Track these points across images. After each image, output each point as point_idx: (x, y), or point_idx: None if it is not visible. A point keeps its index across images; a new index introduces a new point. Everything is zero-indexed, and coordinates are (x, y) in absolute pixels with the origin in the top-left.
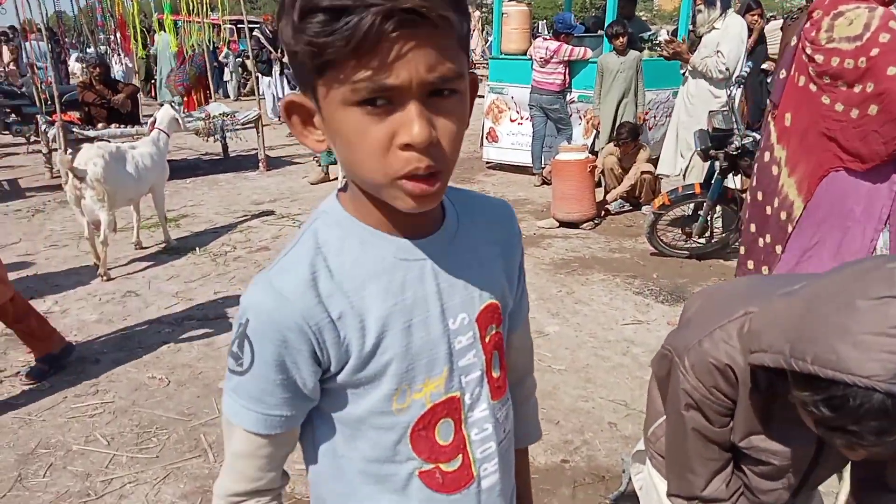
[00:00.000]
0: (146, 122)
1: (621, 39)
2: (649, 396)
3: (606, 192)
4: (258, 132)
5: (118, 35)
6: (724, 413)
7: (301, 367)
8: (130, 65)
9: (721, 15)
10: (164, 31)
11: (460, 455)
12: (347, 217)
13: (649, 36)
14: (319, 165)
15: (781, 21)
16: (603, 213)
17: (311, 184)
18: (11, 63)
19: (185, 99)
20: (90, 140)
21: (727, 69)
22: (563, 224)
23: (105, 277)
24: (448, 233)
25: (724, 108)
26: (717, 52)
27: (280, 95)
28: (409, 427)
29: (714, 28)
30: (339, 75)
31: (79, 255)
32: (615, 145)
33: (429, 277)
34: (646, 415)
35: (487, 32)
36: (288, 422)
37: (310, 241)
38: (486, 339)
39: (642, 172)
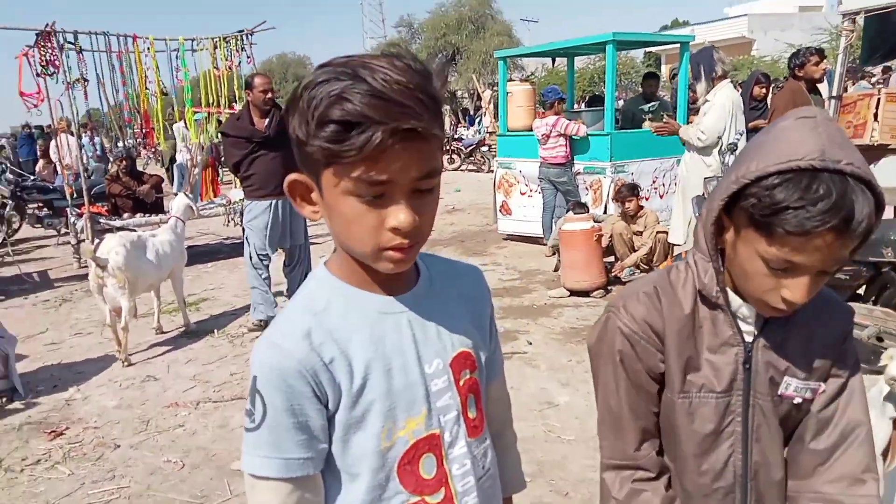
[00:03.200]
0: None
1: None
2: None
3: (618, 260)
4: None
5: (143, 129)
6: (655, 350)
7: (307, 408)
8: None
9: (710, 85)
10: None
11: (443, 488)
12: (334, 279)
13: (649, 108)
14: None
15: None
16: (613, 279)
17: None
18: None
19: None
20: (116, 230)
21: (706, 137)
22: (573, 293)
23: (126, 363)
24: (422, 290)
25: (719, 175)
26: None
27: None
28: (395, 462)
29: (706, 100)
30: (345, 172)
31: (101, 343)
32: (614, 201)
33: (405, 328)
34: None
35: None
36: (306, 464)
37: (301, 301)
38: (461, 383)
39: (658, 232)
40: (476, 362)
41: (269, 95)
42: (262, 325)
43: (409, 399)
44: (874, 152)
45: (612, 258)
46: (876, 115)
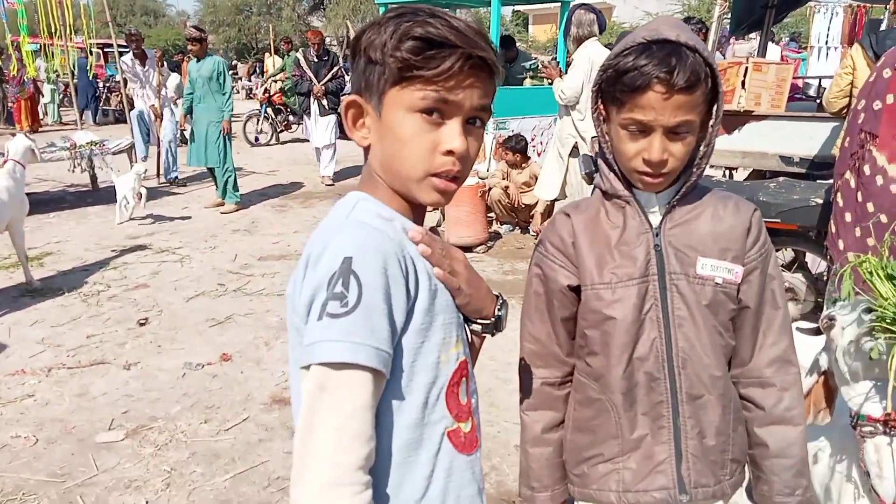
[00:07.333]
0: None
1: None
2: None
3: (497, 222)
4: (132, 162)
5: None
6: (559, 266)
7: (396, 298)
8: None
9: (573, 46)
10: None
11: (471, 418)
12: (377, 202)
13: (531, 65)
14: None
15: None
16: (493, 234)
17: (206, 208)
18: None
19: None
20: None
21: (564, 95)
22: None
23: None
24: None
25: None
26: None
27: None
28: (447, 381)
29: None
30: (415, 86)
31: None
32: (503, 149)
33: None
34: None
35: None
36: (388, 362)
37: (364, 212)
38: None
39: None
40: None
41: None
42: None
43: (457, 320)
44: (740, 118)
45: (493, 214)
46: (744, 83)
